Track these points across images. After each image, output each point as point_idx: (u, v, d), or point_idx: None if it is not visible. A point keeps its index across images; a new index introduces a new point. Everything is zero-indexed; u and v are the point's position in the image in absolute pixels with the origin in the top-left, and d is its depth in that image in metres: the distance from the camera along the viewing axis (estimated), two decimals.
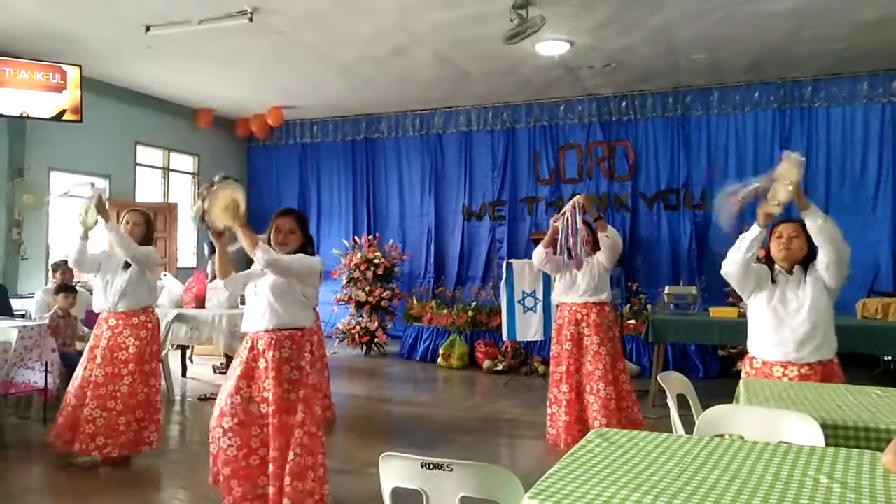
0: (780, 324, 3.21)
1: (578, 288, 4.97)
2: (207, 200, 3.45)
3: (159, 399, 4.68)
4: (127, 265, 4.53)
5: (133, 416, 4.46)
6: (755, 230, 3.20)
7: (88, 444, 4.34)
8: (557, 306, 5.23)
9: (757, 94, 8.87)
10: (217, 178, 3.53)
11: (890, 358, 7.10)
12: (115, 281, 4.54)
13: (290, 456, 3.34)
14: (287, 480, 3.31)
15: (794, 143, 8.76)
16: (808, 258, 3.24)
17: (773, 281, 3.28)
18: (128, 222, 4.66)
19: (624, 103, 9.49)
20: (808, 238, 3.19)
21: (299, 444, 3.36)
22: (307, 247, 3.61)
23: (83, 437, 4.34)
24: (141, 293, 4.59)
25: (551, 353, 5.14)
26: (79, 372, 4.58)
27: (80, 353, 6.03)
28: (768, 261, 3.34)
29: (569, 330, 4.97)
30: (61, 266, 6.72)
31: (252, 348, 3.46)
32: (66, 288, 6.13)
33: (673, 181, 9.32)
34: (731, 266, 3.26)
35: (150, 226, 4.76)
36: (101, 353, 4.47)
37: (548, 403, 5.08)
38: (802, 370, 3.19)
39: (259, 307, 3.48)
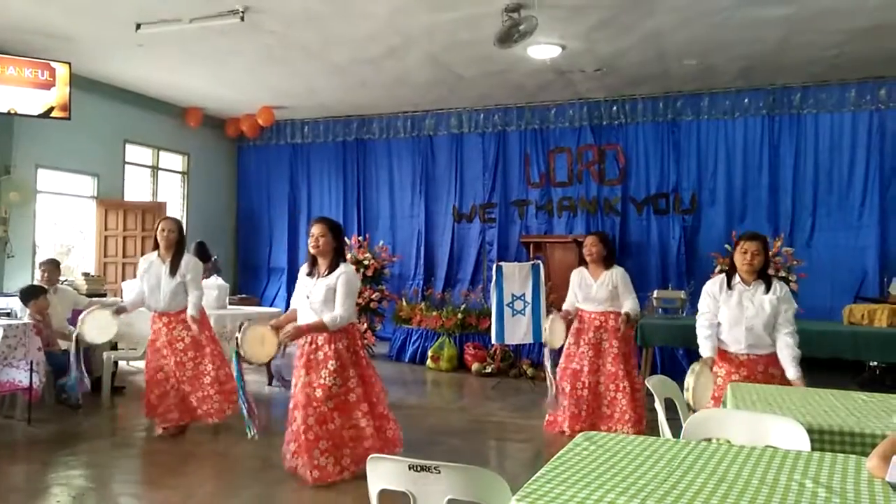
0: (736, 324, 3.80)
1: (597, 299, 5.38)
2: (241, 346, 4.08)
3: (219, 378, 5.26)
4: (173, 272, 5.15)
5: (202, 392, 5.19)
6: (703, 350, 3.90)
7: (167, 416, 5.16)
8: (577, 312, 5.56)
9: (747, 100, 8.92)
10: (243, 324, 4.20)
11: (875, 363, 7.15)
12: (162, 286, 5.16)
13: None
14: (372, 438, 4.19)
15: (782, 150, 8.84)
16: (765, 269, 3.84)
17: (730, 287, 3.86)
18: (163, 230, 5.20)
19: (615, 108, 9.52)
20: (766, 254, 3.82)
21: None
22: (340, 256, 4.29)
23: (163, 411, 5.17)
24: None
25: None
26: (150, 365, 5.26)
27: (65, 353, 6.01)
28: (730, 268, 3.91)
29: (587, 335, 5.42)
30: (47, 264, 6.67)
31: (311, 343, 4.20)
32: (32, 293, 5.98)
33: (663, 186, 9.35)
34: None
35: (182, 231, 5.34)
36: (162, 346, 5.20)
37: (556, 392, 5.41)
38: (750, 357, 3.80)
39: (309, 314, 4.20)
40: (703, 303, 3.96)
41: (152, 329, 5.29)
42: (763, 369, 3.77)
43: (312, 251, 4.23)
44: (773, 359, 3.78)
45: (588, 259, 5.41)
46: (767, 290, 3.78)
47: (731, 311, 3.82)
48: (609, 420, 5.31)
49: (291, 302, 4.53)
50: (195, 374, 5.20)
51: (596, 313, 5.40)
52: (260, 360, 4.40)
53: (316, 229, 4.22)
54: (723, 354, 3.88)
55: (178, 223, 5.33)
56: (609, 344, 5.34)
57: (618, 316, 5.33)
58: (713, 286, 3.95)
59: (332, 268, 4.22)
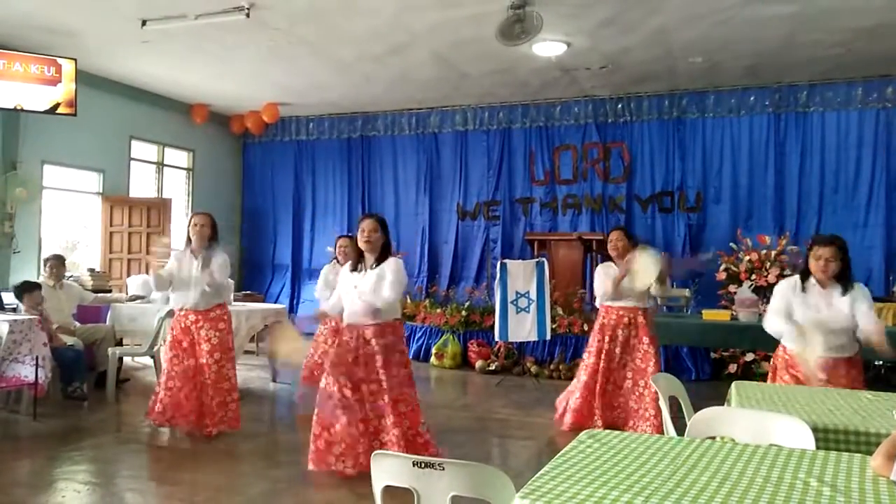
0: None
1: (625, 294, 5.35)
2: (272, 347, 4.26)
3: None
4: (205, 267, 4.98)
5: (222, 397, 5.05)
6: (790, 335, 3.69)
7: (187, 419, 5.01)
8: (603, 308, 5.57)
9: (752, 98, 8.89)
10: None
11: (881, 362, 7.13)
12: (192, 282, 5.00)
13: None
14: (396, 433, 4.14)
15: (788, 148, 8.80)
16: (843, 275, 3.63)
17: (804, 290, 3.70)
18: (195, 224, 5.04)
19: (620, 105, 9.50)
20: (844, 259, 3.62)
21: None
22: (388, 249, 4.30)
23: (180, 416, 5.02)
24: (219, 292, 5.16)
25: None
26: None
27: (70, 348, 6.04)
28: (804, 271, 3.74)
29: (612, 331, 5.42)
30: (53, 260, 6.69)
31: (358, 337, 4.23)
32: (26, 288, 5.98)
33: (668, 184, 9.32)
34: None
35: (216, 226, 5.15)
36: (188, 346, 5.06)
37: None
38: (828, 362, 3.56)
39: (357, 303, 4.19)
40: (774, 301, 3.82)
41: (177, 327, 5.08)
42: (845, 373, 3.62)
43: (363, 246, 4.23)
44: (854, 363, 3.66)
45: (614, 254, 5.36)
46: (845, 292, 3.62)
47: (806, 313, 3.65)
48: (635, 416, 5.29)
49: (330, 299, 4.56)
50: (217, 378, 5.03)
51: (625, 309, 5.37)
52: (290, 359, 4.48)
53: (367, 224, 4.24)
54: (794, 359, 3.70)
55: (210, 218, 5.13)
56: (639, 340, 5.32)
57: (644, 312, 5.34)
58: (786, 287, 3.81)
59: (380, 262, 4.25)
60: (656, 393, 5.20)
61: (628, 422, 5.31)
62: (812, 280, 3.68)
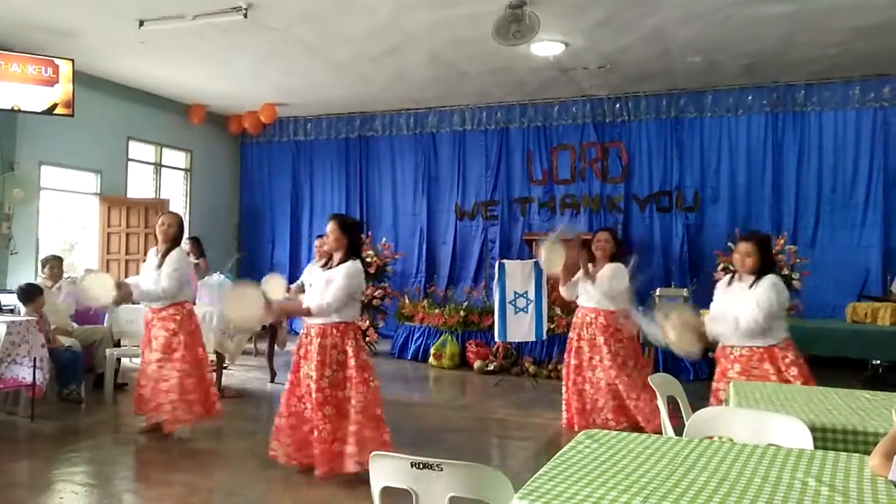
0: (724, 317, 3.82)
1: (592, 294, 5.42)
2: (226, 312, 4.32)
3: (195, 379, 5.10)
4: (160, 265, 5.01)
5: (158, 399, 4.99)
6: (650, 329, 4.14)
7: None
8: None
9: (750, 98, 8.90)
10: None
11: (879, 362, 7.14)
12: (150, 279, 5.04)
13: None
14: (352, 442, 4.07)
15: (786, 147, 8.81)
16: (761, 269, 3.80)
17: (729, 284, 3.94)
18: (162, 223, 5.13)
19: (618, 105, 9.50)
20: (762, 253, 3.80)
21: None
22: (353, 252, 4.28)
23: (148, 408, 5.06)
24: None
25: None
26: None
27: (68, 349, 6.03)
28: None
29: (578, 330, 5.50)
30: (50, 261, 6.68)
31: (307, 335, 4.27)
32: (30, 294, 5.92)
33: (665, 183, 9.33)
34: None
35: (182, 227, 5.28)
36: (146, 341, 5.12)
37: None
38: (743, 353, 3.80)
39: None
40: (712, 305, 4.05)
41: (144, 322, 5.25)
42: (757, 364, 3.74)
43: (326, 248, 4.35)
44: (770, 353, 3.74)
45: (598, 254, 5.42)
46: (753, 284, 3.78)
47: (720, 305, 3.90)
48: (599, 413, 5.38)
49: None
50: (156, 378, 5.00)
51: (587, 309, 5.45)
52: (241, 324, 4.49)
53: (328, 227, 4.31)
54: (721, 351, 3.92)
55: (177, 218, 5.27)
56: (604, 340, 5.35)
57: (609, 314, 5.34)
58: (720, 284, 4.04)
59: (343, 261, 4.26)
60: (621, 393, 5.30)
61: (609, 421, 5.34)
62: (737, 276, 3.92)
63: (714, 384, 3.95)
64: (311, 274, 4.47)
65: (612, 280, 5.28)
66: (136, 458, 4.85)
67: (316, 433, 4.14)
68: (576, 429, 5.32)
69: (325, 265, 4.35)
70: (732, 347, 3.83)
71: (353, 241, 4.29)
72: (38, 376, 5.29)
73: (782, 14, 6.37)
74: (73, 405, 5.87)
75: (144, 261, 5.39)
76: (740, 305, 3.75)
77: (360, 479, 3.93)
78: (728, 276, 4.05)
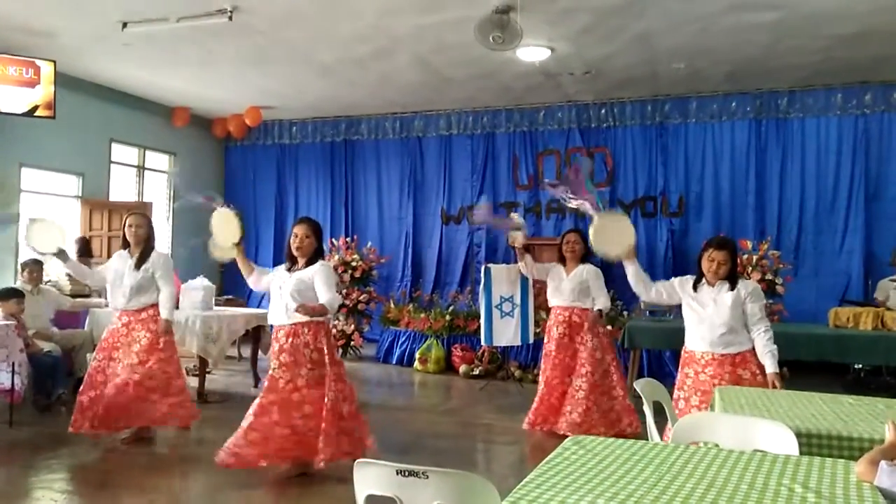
0: (699, 322, 3.81)
1: (564, 293, 5.43)
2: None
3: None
4: (138, 266, 4.95)
5: (145, 401, 4.90)
6: (628, 268, 4.05)
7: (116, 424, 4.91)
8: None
9: (734, 104, 8.97)
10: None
11: (860, 366, 7.21)
12: (125, 280, 4.95)
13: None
14: (322, 442, 4.06)
15: (769, 153, 8.89)
16: (731, 274, 3.81)
17: (695, 290, 3.88)
18: (130, 225, 5.00)
19: (603, 110, 9.54)
20: (734, 261, 3.82)
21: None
22: (319, 255, 4.32)
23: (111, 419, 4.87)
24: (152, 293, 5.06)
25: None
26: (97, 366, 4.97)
27: (48, 354, 5.94)
28: (698, 273, 3.90)
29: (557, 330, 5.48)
30: (30, 265, 6.58)
31: (276, 338, 4.25)
32: (10, 295, 5.85)
33: (650, 188, 9.38)
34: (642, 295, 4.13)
35: (152, 227, 5.17)
36: (116, 346, 4.96)
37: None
38: (715, 357, 3.76)
39: (281, 305, 4.22)
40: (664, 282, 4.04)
41: (109, 328, 5.05)
42: (731, 369, 3.70)
43: (295, 252, 4.28)
44: (742, 358, 3.72)
45: (569, 255, 5.45)
46: (732, 288, 3.75)
47: (693, 311, 3.84)
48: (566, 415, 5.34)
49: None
50: (140, 380, 4.90)
51: (560, 308, 5.47)
52: (222, 245, 4.56)
53: (300, 230, 4.29)
54: (690, 356, 3.87)
55: (146, 218, 5.14)
56: (580, 340, 5.37)
57: (584, 312, 5.38)
58: (681, 280, 3.97)
59: (309, 264, 4.27)
60: (589, 395, 5.29)
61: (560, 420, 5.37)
62: (703, 281, 3.86)
63: (676, 391, 3.87)
64: (276, 277, 4.38)
65: (598, 279, 5.38)
66: (117, 464, 4.78)
67: (294, 432, 4.15)
68: (538, 429, 5.44)
69: (289, 268, 4.33)
70: (703, 353, 3.77)
71: (321, 247, 4.38)
72: (17, 381, 5.21)
73: (765, 22, 6.42)
74: (53, 410, 5.78)
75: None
76: (714, 308, 3.74)
77: (345, 485, 3.90)
78: (690, 277, 3.94)
